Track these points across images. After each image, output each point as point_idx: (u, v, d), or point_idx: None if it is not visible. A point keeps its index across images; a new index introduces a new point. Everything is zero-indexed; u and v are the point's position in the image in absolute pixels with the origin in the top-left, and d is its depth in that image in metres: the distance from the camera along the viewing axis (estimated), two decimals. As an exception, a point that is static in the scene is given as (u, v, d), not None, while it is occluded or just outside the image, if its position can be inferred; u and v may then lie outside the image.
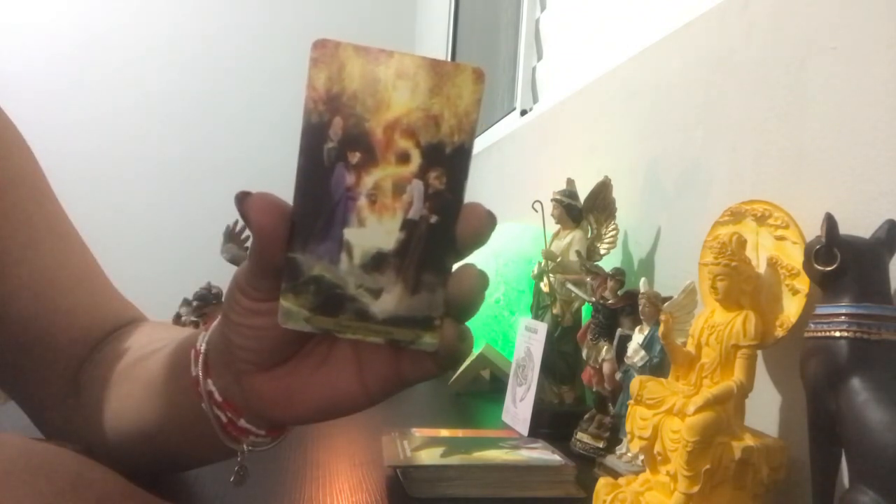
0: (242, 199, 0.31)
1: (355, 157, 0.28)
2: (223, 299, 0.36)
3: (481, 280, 0.31)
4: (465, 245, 0.30)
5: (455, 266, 0.31)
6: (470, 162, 0.29)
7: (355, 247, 0.29)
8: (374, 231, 0.29)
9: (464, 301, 0.31)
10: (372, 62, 0.28)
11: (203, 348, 0.39)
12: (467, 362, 1.14)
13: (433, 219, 0.29)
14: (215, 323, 0.39)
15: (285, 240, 0.30)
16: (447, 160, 0.28)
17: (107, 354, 0.50)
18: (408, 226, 0.29)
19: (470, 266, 0.31)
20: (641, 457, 0.60)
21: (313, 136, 0.29)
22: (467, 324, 0.33)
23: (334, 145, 0.29)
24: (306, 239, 0.29)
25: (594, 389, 0.80)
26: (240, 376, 0.37)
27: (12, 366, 0.51)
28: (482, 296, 0.32)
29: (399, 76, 0.28)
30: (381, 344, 0.31)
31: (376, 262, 0.29)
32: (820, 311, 0.49)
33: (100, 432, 0.47)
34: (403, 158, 0.28)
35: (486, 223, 0.30)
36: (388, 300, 0.30)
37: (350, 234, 0.29)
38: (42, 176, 0.54)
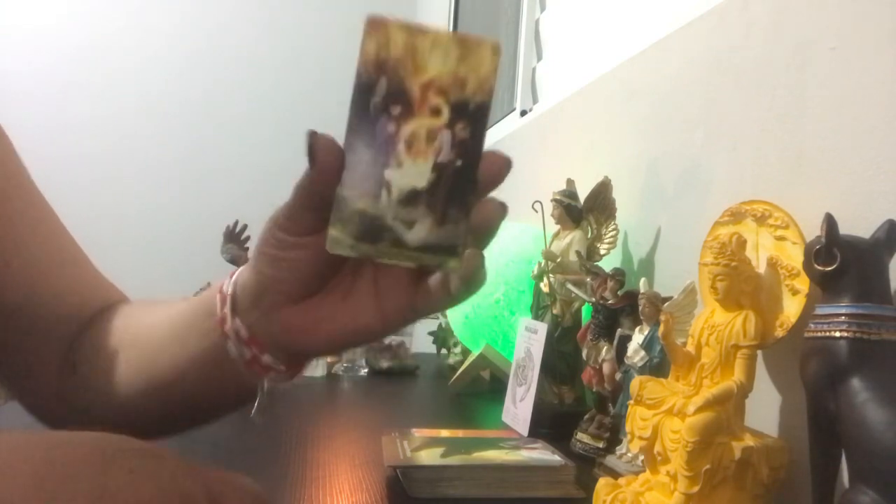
0: (312, 136, 0.35)
1: (396, 110, 0.34)
2: (258, 240, 0.41)
3: (500, 211, 0.37)
4: (485, 184, 0.36)
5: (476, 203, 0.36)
6: (489, 117, 0.35)
7: (393, 185, 0.34)
8: (409, 172, 0.34)
9: (484, 230, 0.36)
10: (413, 35, 0.34)
11: (230, 290, 0.42)
12: (467, 362, 1.14)
13: (459, 162, 0.34)
14: (242, 268, 0.43)
15: (339, 177, 0.35)
16: (471, 115, 0.34)
17: (105, 326, 0.52)
18: (438, 168, 0.34)
19: (490, 200, 0.36)
20: (641, 457, 0.60)
21: (362, 92, 0.34)
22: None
23: (379, 100, 0.34)
24: (353, 177, 0.34)
25: (594, 390, 0.80)
26: (270, 310, 0.41)
27: (6, 350, 0.53)
28: (499, 225, 0.37)
29: (434, 46, 0.34)
30: (413, 268, 0.37)
31: (411, 197, 0.34)
32: (820, 311, 0.49)
33: (105, 398, 0.49)
34: (435, 112, 0.34)
35: (503, 166, 0.36)
36: (420, 230, 0.35)
37: (389, 174, 0.34)
38: (20, 161, 0.56)
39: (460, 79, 0.34)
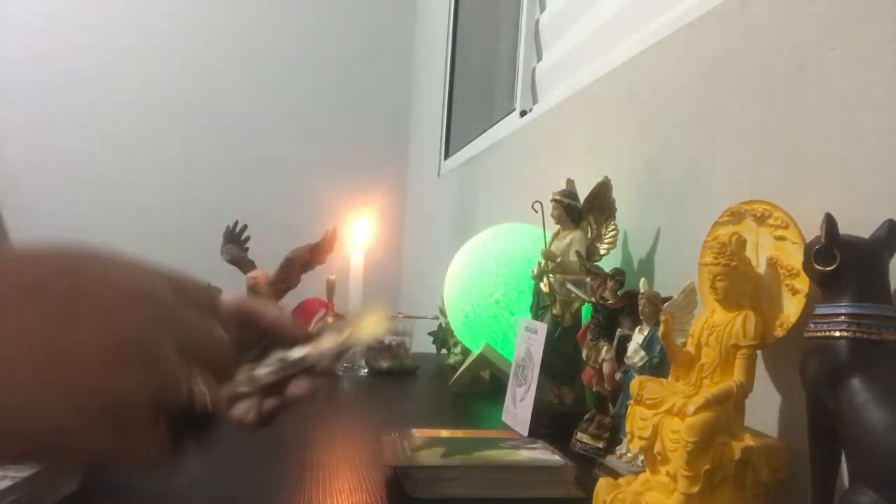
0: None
1: (310, 340, 0.51)
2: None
3: (307, 397, 0.51)
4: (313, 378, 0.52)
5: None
6: (342, 356, 0.57)
7: (285, 355, 0.51)
8: (295, 353, 0.51)
9: (291, 400, 0.51)
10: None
11: None
12: (467, 362, 1.14)
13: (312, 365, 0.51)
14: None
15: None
16: (340, 350, 0.51)
17: None
18: (301, 360, 0.51)
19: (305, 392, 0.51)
20: (641, 457, 0.60)
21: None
22: None
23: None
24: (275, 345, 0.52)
25: (594, 390, 0.80)
26: None
27: None
28: (305, 402, 0.52)
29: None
30: (242, 390, 0.52)
31: (281, 358, 0.50)
32: (820, 311, 0.49)
33: None
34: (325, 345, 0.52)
35: (319, 388, 0.51)
36: (260, 375, 0.51)
37: (284, 353, 0.51)
38: None
39: (351, 337, 0.52)
